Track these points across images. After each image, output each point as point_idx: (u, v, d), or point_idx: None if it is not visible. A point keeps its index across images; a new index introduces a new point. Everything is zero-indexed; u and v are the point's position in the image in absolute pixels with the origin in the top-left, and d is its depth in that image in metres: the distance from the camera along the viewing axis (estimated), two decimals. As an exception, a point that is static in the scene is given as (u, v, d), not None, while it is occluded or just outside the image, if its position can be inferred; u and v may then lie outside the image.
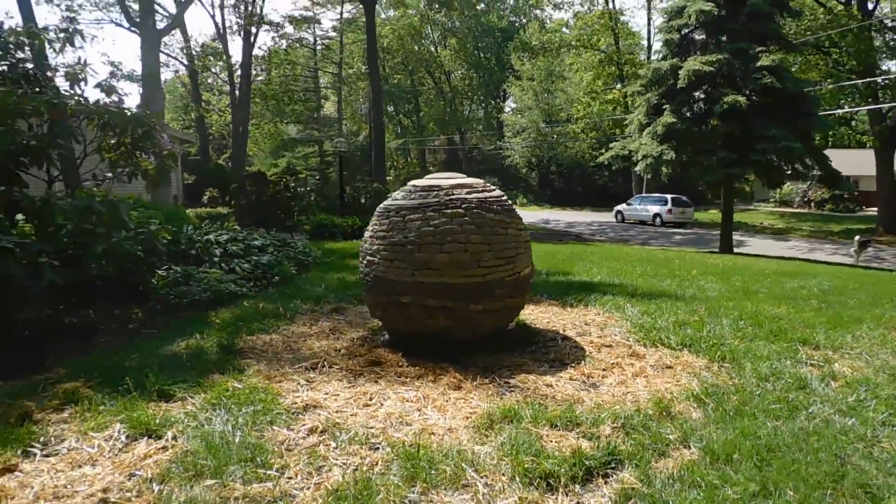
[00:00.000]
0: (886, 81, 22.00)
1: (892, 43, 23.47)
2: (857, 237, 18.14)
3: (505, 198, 5.02)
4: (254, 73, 43.01)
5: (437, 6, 52.15)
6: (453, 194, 4.77)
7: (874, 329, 5.17)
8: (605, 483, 2.78)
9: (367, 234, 5.07)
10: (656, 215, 31.38)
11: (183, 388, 3.90)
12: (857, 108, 22.88)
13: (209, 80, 50.18)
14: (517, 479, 2.79)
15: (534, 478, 2.78)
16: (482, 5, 58.64)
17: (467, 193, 4.80)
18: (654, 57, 23.91)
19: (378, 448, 3.16)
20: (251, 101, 41.75)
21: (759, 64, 15.83)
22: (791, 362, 4.27)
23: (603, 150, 43.61)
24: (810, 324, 5.28)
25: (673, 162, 16.70)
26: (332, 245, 11.77)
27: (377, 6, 38.12)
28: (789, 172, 17.47)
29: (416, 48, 58.22)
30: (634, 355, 4.57)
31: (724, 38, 16.90)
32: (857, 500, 2.57)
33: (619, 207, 34.27)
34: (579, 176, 50.12)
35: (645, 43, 41.70)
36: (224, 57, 41.52)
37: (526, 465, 2.84)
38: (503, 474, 2.84)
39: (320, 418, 3.50)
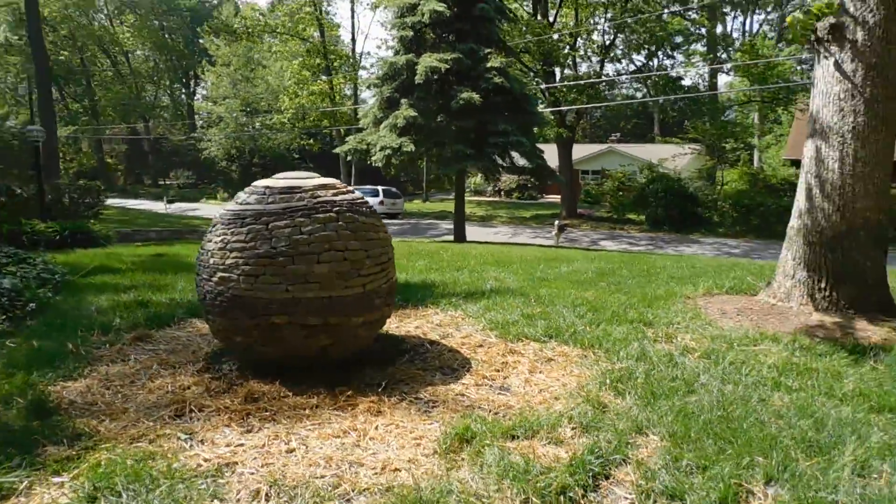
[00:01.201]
0: (566, 86, 26.13)
1: (566, 50, 27.85)
2: (556, 222, 21.19)
3: (366, 200, 4.67)
4: None
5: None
6: (319, 196, 4.28)
7: (676, 303, 6.08)
8: (615, 485, 2.79)
9: (211, 245, 4.26)
10: (370, 207, 32.22)
11: (21, 475, 2.84)
12: (548, 109, 26.62)
13: None
14: (535, 500, 2.63)
15: (551, 495, 2.66)
16: (167, -21, 53.77)
17: (334, 195, 4.36)
18: (388, 52, 24.62)
19: (351, 499, 2.71)
20: None
21: (489, 65, 17.38)
22: (648, 342, 4.79)
23: (312, 141, 43.74)
24: (630, 304, 5.97)
25: (411, 153, 17.44)
26: (53, 257, 9.65)
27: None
28: (507, 166, 19.59)
29: (87, 21, 50.86)
30: (513, 352, 4.65)
31: (452, 38, 18.14)
32: (813, 453, 2.98)
33: (333, 200, 34.30)
34: (284, 168, 49.17)
35: (348, 36, 42.50)
36: None
37: (539, 484, 2.70)
38: (513, 500, 2.66)
39: (250, 478, 2.87)
